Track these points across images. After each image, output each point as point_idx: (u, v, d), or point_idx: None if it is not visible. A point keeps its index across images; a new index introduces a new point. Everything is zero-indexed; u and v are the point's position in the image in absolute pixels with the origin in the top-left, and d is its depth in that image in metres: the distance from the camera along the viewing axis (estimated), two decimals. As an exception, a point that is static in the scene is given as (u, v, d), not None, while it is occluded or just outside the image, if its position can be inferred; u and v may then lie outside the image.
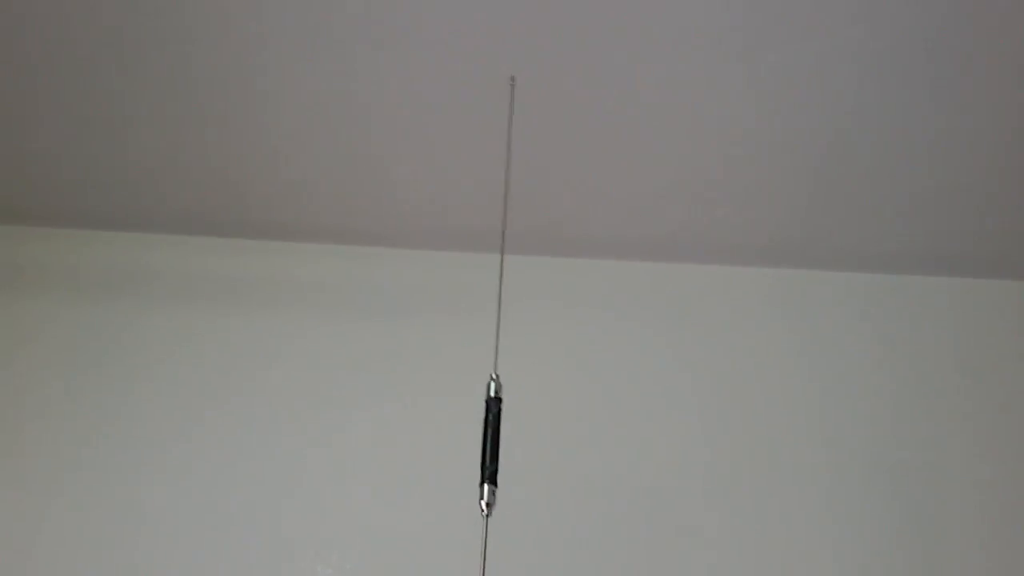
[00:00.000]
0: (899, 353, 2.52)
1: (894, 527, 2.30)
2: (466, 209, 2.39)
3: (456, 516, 2.07)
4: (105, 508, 2.27)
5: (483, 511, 1.52)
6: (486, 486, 1.53)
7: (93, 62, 2.09)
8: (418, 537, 2.26)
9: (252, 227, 2.51)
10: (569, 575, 2.24)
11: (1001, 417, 2.43)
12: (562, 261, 2.56)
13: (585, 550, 2.27)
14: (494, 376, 1.60)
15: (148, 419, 2.36)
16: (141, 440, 2.34)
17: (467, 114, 2.14)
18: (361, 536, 2.27)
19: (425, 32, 1.97)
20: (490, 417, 1.57)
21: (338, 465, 2.34)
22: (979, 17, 1.91)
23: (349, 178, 2.36)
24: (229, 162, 2.34)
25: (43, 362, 2.41)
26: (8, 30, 2.01)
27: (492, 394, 1.58)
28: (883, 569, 2.26)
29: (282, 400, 2.40)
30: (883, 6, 1.89)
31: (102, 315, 2.47)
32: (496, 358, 1.66)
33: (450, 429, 2.32)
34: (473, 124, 2.17)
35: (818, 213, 2.43)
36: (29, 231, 2.54)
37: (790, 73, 2.05)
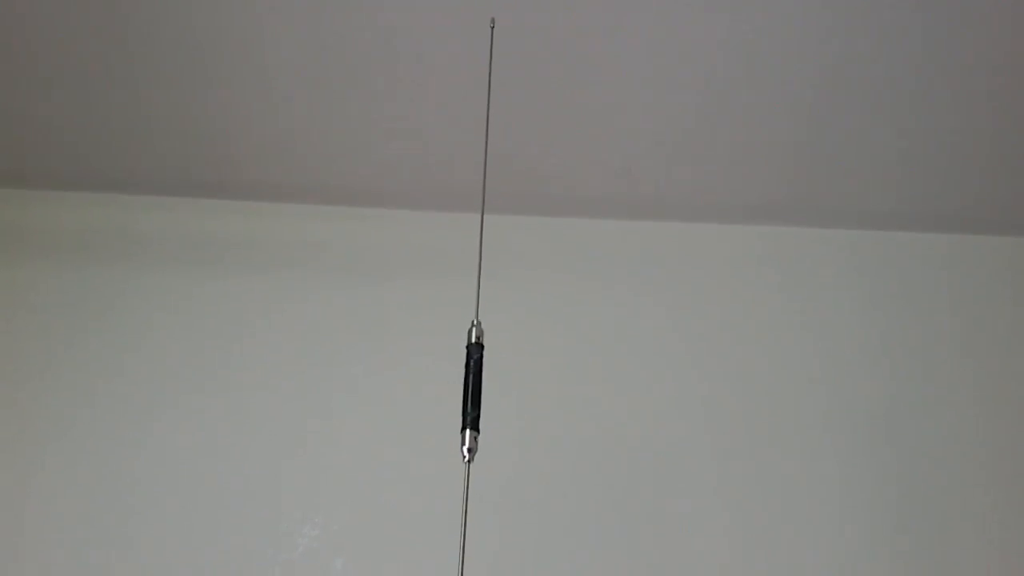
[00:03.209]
0: (891, 311, 2.50)
1: (891, 481, 2.31)
2: (446, 167, 2.38)
3: (440, 474, 2.07)
4: (96, 468, 2.27)
5: (465, 457, 1.50)
6: (467, 432, 1.50)
7: (83, 27, 2.08)
8: (403, 497, 2.25)
9: (233, 188, 2.50)
10: (549, 528, 2.24)
11: (995, 372, 2.45)
12: (545, 220, 2.55)
13: (566, 501, 2.27)
14: (475, 322, 1.58)
15: (134, 379, 2.36)
16: (128, 400, 2.34)
17: (446, 67, 2.12)
18: (346, 497, 2.26)
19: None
20: (471, 363, 1.55)
21: (322, 427, 2.33)
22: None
23: (329, 136, 2.34)
24: (208, 122, 2.32)
25: (32, 324, 2.42)
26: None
27: (473, 340, 1.56)
28: (881, 520, 2.27)
29: (266, 362, 2.39)
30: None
31: (90, 277, 2.48)
32: (477, 306, 1.64)
33: (432, 389, 2.32)
34: (453, 78, 2.15)
35: (806, 170, 2.42)
36: (16, 194, 2.54)
37: (779, 26, 2.04)
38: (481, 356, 1.56)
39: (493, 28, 1.71)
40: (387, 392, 2.37)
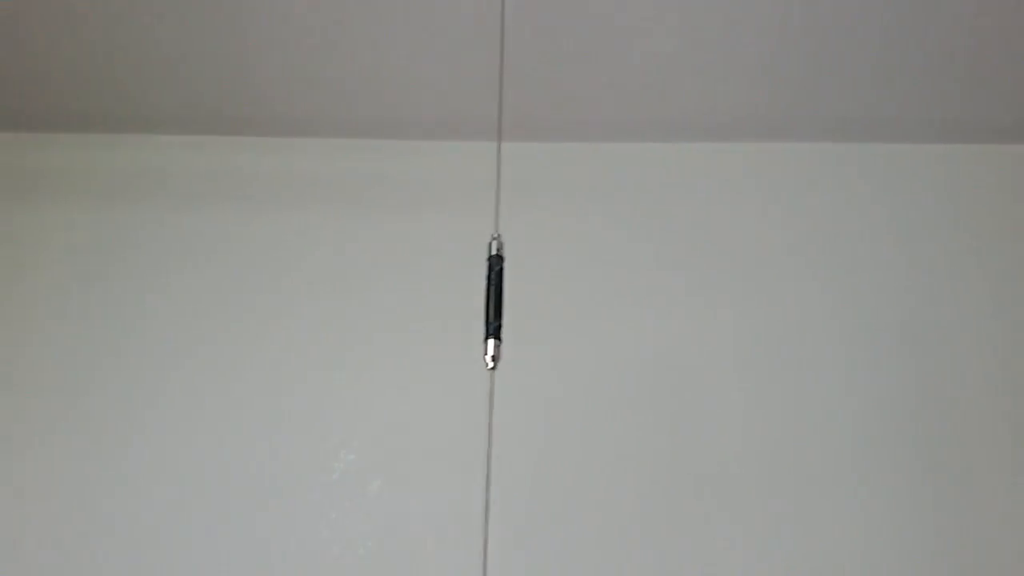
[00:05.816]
0: (909, 222, 2.51)
1: (912, 401, 2.35)
2: (461, 95, 2.39)
3: (468, 392, 2.12)
4: (123, 403, 2.36)
5: (488, 365, 1.55)
6: (491, 341, 1.56)
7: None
8: (433, 420, 2.31)
9: (248, 123, 2.52)
10: (572, 437, 2.31)
11: (1005, 281, 2.46)
12: (562, 147, 2.56)
13: (589, 414, 2.34)
14: (495, 235, 1.62)
15: (167, 313, 2.43)
16: (162, 334, 2.42)
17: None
18: (382, 421, 2.32)
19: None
20: (492, 275, 1.60)
21: (356, 355, 2.39)
22: None
23: (341, 68, 2.35)
24: (224, 57, 2.35)
25: (58, 267, 2.48)
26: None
27: (493, 252, 1.61)
28: (901, 429, 2.32)
29: (298, 293, 2.45)
30: None
31: (115, 218, 2.54)
32: (496, 220, 1.68)
33: (453, 317, 2.33)
34: (466, 3, 2.16)
35: (817, 82, 2.40)
36: (33, 137, 2.59)
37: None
38: (502, 268, 1.60)
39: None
40: (417, 318, 2.42)
